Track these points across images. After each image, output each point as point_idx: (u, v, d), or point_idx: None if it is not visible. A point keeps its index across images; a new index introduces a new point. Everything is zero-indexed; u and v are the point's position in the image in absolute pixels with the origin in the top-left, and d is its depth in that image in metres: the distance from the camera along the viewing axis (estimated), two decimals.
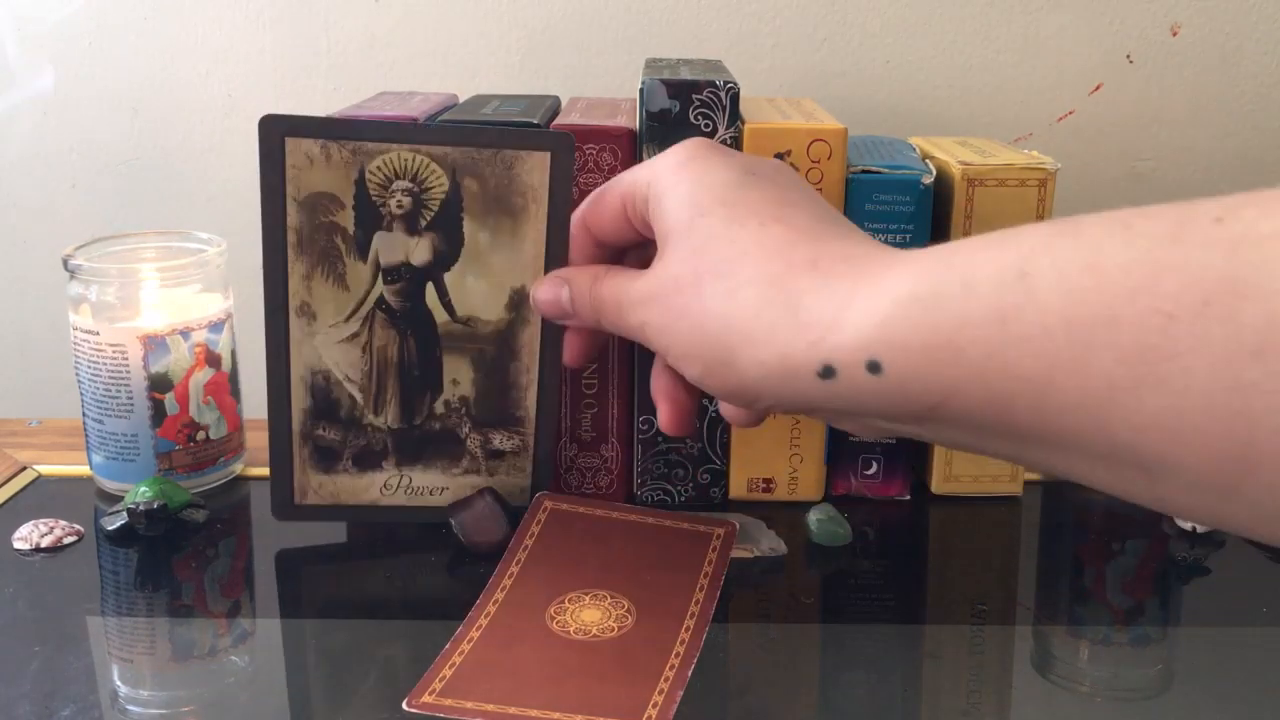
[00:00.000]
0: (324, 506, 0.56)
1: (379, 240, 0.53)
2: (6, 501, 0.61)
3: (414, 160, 0.52)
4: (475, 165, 0.52)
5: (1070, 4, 0.76)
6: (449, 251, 0.53)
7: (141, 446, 0.60)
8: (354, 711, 0.44)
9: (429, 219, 0.53)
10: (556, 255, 0.52)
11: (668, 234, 0.43)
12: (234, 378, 0.63)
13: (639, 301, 0.44)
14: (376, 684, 0.46)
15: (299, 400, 0.54)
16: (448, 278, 0.54)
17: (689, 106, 0.55)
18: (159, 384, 0.59)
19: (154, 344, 0.59)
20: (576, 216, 0.51)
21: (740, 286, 0.39)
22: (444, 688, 0.43)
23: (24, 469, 0.65)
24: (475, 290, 0.54)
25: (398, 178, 0.52)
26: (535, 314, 0.53)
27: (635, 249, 0.50)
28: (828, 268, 0.38)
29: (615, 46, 0.78)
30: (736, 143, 0.56)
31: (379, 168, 0.52)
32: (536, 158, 0.52)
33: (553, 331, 0.54)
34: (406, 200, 0.52)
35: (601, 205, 0.48)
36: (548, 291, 0.50)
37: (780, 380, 0.38)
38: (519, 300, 0.54)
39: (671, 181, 0.43)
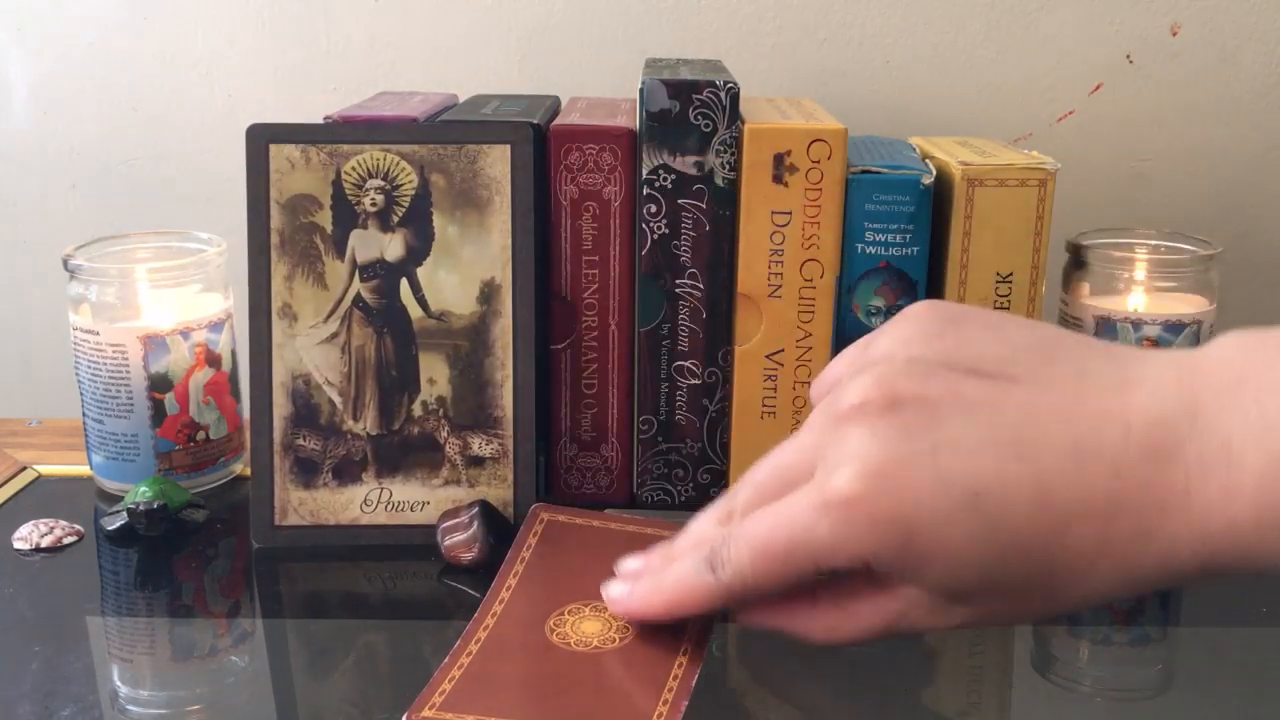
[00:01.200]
0: (305, 528, 0.56)
1: (355, 238, 0.55)
2: (6, 501, 0.61)
3: (385, 159, 0.55)
4: (442, 161, 0.55)
5: (1070, 4, 0.76)
6: (421, 246, 0.55)
7: (141, 446, 0.60)
8: (355, 719, 0.44)
9: (401, 215, 0.55)
10: (521, 245, 0.55)
11: (955, 592, 0.38)
12: (234, 378, 0.63)
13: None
14: (378, 688, 0.46)
15: (280, 407, 0.55)
16: (420, 273, 0.55)
17: (689, 106, 0.55)
18: (159, 384, 0.59)
19: (154, 344, 0.59)
20: (732, 594, 0.42)
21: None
22: (444, 702, 0.42)
23: (24, 469, 0.65)
24: (447, 284, 0.55)
25: (371, 176, 0.55)
26: (506, 306, 0.55)
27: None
28: (1138, 504, 0.35)
29: (615, 46, 0.78)
30: (736, 142, 0.56)
31: (353, 168, 0.55)
32: (498, 151, 0.55)
33: (524, 325, 0.55)
34: (380, 198, 0.55)
35: (774, 572, 0.40)
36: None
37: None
38: (490, 292, 0.55)
39: (918, 556, 0.36)
